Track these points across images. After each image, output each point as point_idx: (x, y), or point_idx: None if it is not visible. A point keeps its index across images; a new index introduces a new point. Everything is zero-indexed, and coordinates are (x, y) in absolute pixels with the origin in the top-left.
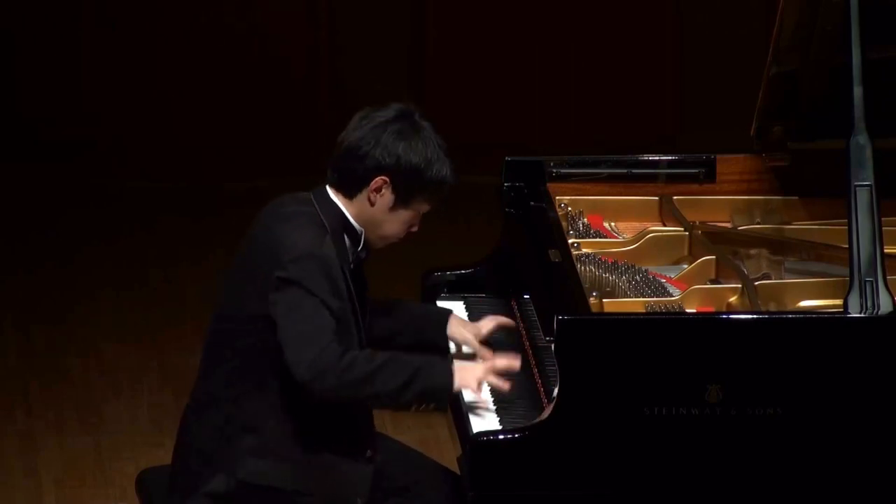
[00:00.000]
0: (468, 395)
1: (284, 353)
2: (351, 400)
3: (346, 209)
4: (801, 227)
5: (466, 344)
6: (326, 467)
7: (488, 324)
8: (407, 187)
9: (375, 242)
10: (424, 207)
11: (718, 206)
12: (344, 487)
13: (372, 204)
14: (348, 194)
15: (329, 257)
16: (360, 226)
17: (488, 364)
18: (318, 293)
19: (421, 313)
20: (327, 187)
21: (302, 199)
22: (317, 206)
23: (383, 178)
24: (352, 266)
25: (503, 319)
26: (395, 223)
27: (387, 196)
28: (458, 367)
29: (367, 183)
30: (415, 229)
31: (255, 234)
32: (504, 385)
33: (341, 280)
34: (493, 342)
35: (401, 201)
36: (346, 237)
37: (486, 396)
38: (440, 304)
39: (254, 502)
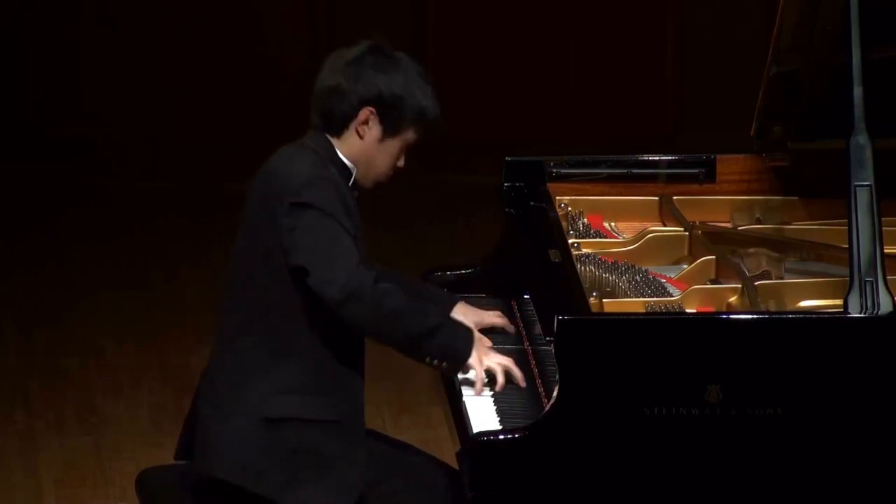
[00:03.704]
0: (467, 392)
1: (310, 276)
2: (376, 330)
3: (338, 148)
4: (801, 227)
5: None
6: (350, 395)
7: (493, 318)
8: (393, 117)
9: (366, 182)
10: (412, 137)
11: (718, 206)
12: (361, 416)
13: (361, 137)
14: (336, 133)
15: (337, 180)
16: (352, 163)
17: (508, 360)
18: (334, 213)
19: (428, 291)
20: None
21: (297, 143)
22: (312, 144)
23: (369, 108)
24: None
25: (506, 322)
26: (385, 156)
27: (375, 128)
28: (479, 339)
29: (354, 117)
30: (401, 164)
31: (260, 176)
32: (501, 382)
33: (350, 201)
34: (493, 342)
35: (389, 131)
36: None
37: (486, 395)
38: None
39: (277, 440)
